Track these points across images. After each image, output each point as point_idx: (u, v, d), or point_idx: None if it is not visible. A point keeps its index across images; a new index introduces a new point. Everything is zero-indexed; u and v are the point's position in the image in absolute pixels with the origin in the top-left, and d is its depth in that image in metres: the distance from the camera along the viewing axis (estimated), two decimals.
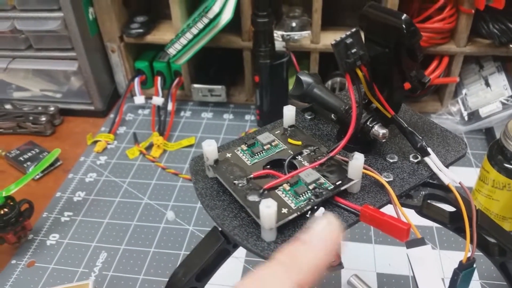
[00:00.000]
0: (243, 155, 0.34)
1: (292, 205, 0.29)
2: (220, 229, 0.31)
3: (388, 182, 0.31)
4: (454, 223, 0.33)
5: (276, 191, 0.30)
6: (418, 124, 0.38)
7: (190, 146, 0.75)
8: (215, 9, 0.66)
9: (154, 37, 0.79)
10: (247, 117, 0.81)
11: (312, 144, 0.34)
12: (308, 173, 0.31)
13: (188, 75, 0.81)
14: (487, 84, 0.72)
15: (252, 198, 0.30)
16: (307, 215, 0.30)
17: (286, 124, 0.36)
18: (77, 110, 0.83)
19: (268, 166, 0.33)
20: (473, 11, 0.66)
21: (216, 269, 0.33)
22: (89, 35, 0.77)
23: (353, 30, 0.30)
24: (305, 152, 0.34)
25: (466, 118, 0.72)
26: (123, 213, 0.63)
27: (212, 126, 0.79)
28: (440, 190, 0.32)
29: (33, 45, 0.78)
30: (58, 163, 0.73)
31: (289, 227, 0.29)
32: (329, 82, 0.75)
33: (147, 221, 0.62)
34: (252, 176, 0.31)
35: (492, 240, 0.33)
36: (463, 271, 0.32)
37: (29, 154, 0.74)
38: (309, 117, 0.39)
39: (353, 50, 0.30)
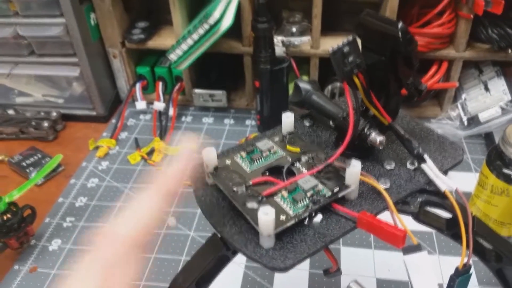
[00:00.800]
0: (242, 162, 0.34)
1: (290, 212, 0.30)
2: (219, 235, 0.32)
3: (385, 189, 0.32)
4: (450, 229, 0.33)
5: (274, 198, 0.31)
6: (415, 131, 0.39)
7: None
8: (216, 15, 0.67)
9: (155, 42, 0.80)
10: (247, 122, 0.82)
11: (310, 151, 0.35)
12: (306, 180, 0.31)
13: (189, 80, 0.82)
14: (487, 89, 0.72)
15: (251, 205, 0.30)
16: (305, 222, 0.30)
17: (285, 130, 0.37)
18: (79, 115, 0.84)
19: (267, 173, 0.33)
20: (472, 16, 0.66)
21: (216, 276, 0.34)
22: (91, 40, 0.78)
23: (350, 38, 0.30)
24: (304, 158, 0.34)
25: (465, 123, 0.73)
26: None
27: (213, 131, 0.80)
28: (437, 197, 0.33)
29: (36, 51, 0.78)
30: (60, 169, 0.73)
31: (287, 234, 0.30)
32: (329, 87, 0.75)
33: None
34: (251, 183, 0.32)
35: (489, 246, 0.33)
36: (459, 277, 0.32)
37: (32, 159, 0.74)
38: (307, 124, 0.39)
39: (350, 58, 0.30)
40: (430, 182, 0.33)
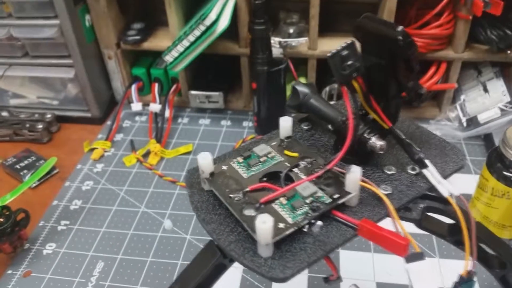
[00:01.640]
0: (239, 167, 0.33)
1: (289, 220, 0.29)
2: (216, 243, 0.31)
3: (386, 195, 0.31)
4: (453, 235, 0.32)
5: (272, 204, 0.30)
6: (416, 135, 0.38)
7: (188, 153, 0.74)
8: (212, 16, 0.66)
9: (151, 44, 0.79)
10: (244, 123, 0.81)
11: (309, 156, 0.34)
12: (305, 186, 0.31)
13: (185, 81, 0.81)
14: (486, 90, 0.72)
15: (248, 212, 0.29)
16: (304, 229, 0.29)
17: (282, 135, 0.36)
18: (74, 117, 0.83)
19: (265, 179, 0.33)
20: (470, 17, 0.66)
21: (213, 284, 0.33)
22: (85, 42, 0.77)
23: (349, 42, 0.29)
24: (302, 164, 0.33)
25: (464, 124, 0.72)
26: (120, 221, 0.63)
27: (209, 133, 0.79)
28: (439, 203, 0.32)
29: (30, 53, 0.77)
30: (55, 171, 0.72)
31: (286, 242, 0.29)
32: (327, 89, 0.74)
33: (144, 230, 0.62)
34: (248, 189, 0.31)
35: (492, 252, 0.32)
36: (463, 284, 0.31)
37: (26, 162, 0.73)
38: (305, 128, 0.39)
39: (349, 62, 0.29)
40: (432, 188, 0.32)
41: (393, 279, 0.53)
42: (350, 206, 0.31)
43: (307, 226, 0.29)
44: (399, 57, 0.30)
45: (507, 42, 0.65)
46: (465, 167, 0.68)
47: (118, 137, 0.79)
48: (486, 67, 0.74)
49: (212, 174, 0.32)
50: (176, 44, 0.71)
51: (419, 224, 0.32)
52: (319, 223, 0.29)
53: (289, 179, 0.32)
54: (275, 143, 0.36)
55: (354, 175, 0.29)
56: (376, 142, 0.32)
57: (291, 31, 0.74)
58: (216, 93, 0.80)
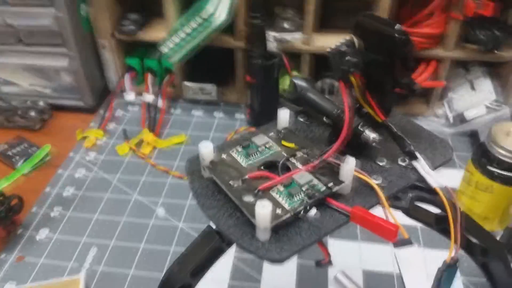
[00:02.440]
0: (239, 156, 0.35)
1: (286, 206, 0.30)
2: (215, 228, 0.32)
3: (377, 184, 0.33)
4: (440, 224, 0.34)
5: (270, 192, 0.31)
6: (407, 128, 0.39)
7: (180, 143, 0.75)
8: (209, 9, 0.67)
9: (146, 34, 0.80)
10: (237, 115, 0.82)
11: (305, 147, 0.35)
12: (302, 175, 0.32)
13: (179, 72, 0.82)
14: (473, 88, 0.74)
15: (247, 198, 0.31)
16: (300, 215, 0.31)
17: (280, 126, 0.37)
18: (67, 105, 0.83)
19: (263, 168, 0.34)
20: (462, 18, 0.68)
21: (210, 266, 0.34)
22: (81, 31, 0.77)
23: (348, 38, 0.31)
24: (299, 154, 0.35)
25: (451, 120, 0.74)
26: (113, 209, 0.64)
27: (202, 124, 0.80)
28: (427, 193, 0.34)
29: (24, 40, 0.77)
30: (48, 159, 0.73)
31: (283, 227, 0.30)
32: (319, 83, 0.76)
33: (137, 217, 0.63)
34: (247, 177, 0.32)
35: (475, 241, 0.34)
36: (447, 270, 0.33)
37: (18, 149, 0.74)
38: (302, 120, 0.40)
39: (347, 58, 0.31)
40: (421, 178, 0.34)
41: (379, 267, 0.55)
42: (343, 194, 0.33)
43: (302, 212, 0.31)
44: (396, 55, 0.31)
45: (495, 42, 0.67)
46: (451, 161, 0.71)
47: (111, 126, 0.80)
48: (475, 66, 0.76)
49: (212, 162, 0.34)
50: (173, 36, 0.72)
51: (407, 213, 0.34)
52: (314, 209, 0.31)
53: (286, 169, 0.34)
54: (272, 133, 0.37)
55: (348, 166, 0.31)
56: (369, 134, 0.33)
57: (286, 26, 0.75)
58: (210, 85, 0.81)
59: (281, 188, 0.31)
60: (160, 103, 0.80)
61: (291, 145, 0.36)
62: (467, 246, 0.35)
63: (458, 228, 0.32)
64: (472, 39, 0.69)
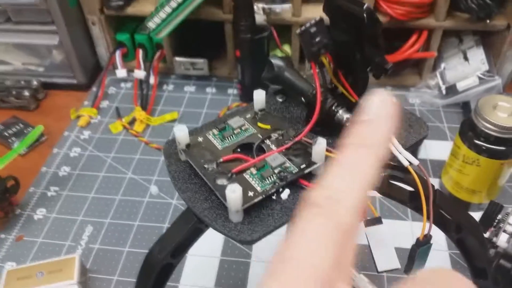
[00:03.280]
0: (214, 139, 0.35)
1: (258, 188, 0.31)
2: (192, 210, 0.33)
3: None
4: (413, 202, 0.35)
5: (243, 174, 0.32)
6: None
7: (173, 121, 0.76)
8: None
9: (135, 9, 0.79)
10: (229, 91, 0.82)
11: (280, 128, 0.36)
12: (274, 157, 0.32)
13: (170, 48, 0.81)
14: (466, 58, 0.73)
15: (221, 181, 0.31)
16: (273, 197, 0.32)
17: (256, 108, 0.38)
18: (60, 83, 0.83)
19: (239, 150, 0.35)
20: None
21: (190, 246, 0.35)
22: (68, 7, 0.76)
23: (317, 18, 0.30)
24: (274, 136, 0.35)
25: (444, 91, 0.74)
26: (108, 187, 0.65)
27: (194, 100, 0.80)
28: (400, 172, 0.34)
29: (12, 18, 0.77)
30: (43, 138, 0.74)
31: (255, 208, 0.31)
32: None
33: (132, 195, 0.64)
34: (221, 160, 0.33)
35: (449, 217, 0.35)
36: (421, 247, 0.34)
37: (14, 129, 0.74)
38: (280, 100, 0.40)
39: (317, 39, 0.30)
40: (393, 157, 0.34)
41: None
42: (317, 175, 0.33)
43: (275, 194, 0.32)
44: (365, 34, 0.31)
45: (486, 11, 0.66)
46: (441, 133, 0.71)
47: (104, 104, 0.80)
48: (468, 35, 0.75)
49: (188, 145, 0.34)
50: (159, 11, 0.71)
51: (380, 191, 0.34)
52: (287, 191, 0.32)
53: (261, 150, 0.34)
54: (249, 115, 0.37)
55: (319, 146, 0.31)
56: (343, 115, 0.34)
57: None
58: (201, 60, 0.80)
59: (254, 171, 0.32)
60: (152, 79, 0.80)
61: (267, 126, 0.36)
62: (442, 223, 0.35)
63: (431, 205, 0.33)
64: (463, 8, 0.67)
